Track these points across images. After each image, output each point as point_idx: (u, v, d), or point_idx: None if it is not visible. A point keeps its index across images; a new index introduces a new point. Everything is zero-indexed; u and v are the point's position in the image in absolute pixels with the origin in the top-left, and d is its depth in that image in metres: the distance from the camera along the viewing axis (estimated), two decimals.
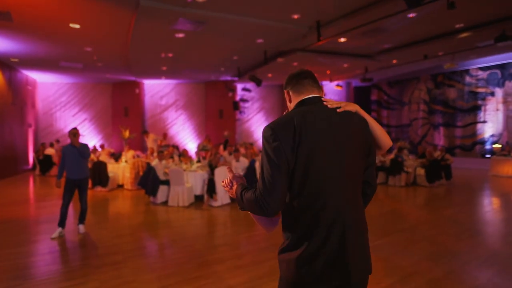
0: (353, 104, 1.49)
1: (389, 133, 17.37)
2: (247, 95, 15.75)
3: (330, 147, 1.33)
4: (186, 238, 4.86)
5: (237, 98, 15.42)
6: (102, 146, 12.12)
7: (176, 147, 12.22)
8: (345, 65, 12.11)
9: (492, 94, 14.16)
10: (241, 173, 7.32)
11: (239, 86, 15.56)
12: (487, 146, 14.30)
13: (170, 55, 9.90)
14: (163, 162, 7.53)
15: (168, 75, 13.40)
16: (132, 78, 13.83)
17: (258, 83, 11.08)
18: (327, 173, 1.31)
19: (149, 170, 7.28)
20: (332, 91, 16.31)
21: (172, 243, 4.71)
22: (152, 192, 7.13)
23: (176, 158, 8.71)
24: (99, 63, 10.91)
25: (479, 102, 14.56)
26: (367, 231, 1.42)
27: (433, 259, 3.92)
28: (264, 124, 16.64)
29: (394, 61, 12.12)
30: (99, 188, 8.68)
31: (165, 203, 7.11)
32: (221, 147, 11.91)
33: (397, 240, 4.64)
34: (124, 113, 14.65)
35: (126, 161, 9.35)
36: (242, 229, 5.44)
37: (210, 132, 15.37)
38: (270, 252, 4.22)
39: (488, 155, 13.69)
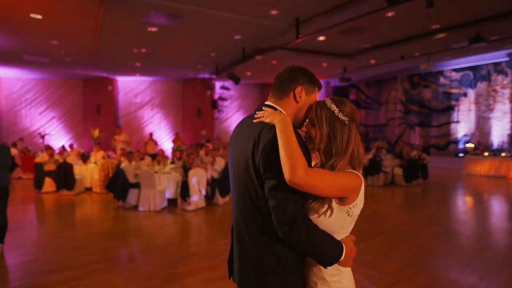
0: (275, 115, 1.28)
1: (366, 132, 17.56)
2: (225, 93, 15.40)
3: (231, 159, 1.47)
4: (156, 247, 4.50)
5: (216, 96, 15.04)
6: (71, 146, 11.43)
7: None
8: (324, 64, 12.01)
9: (465, 95, 14.53)
10: (216, 175, 7.02)
11: (218, 84, 15.18)
12: (460, 146, 14.68)
13: (144, 50, 9.42)
14: (133, 163, 7.08)
15: (142, 71, 12.84)
16: (104, 74, 13.17)
17: (236, 81, 10.77)
18: (231, 183, 1.47)
19: (118, 173, 6.82)
20: None
21: (139, 253, 4.34)
22: (121, 196, 6.68)
23: (148, 159, 8.26)
24: (67, 58, 10.25)
25: (453, 102, 14.91)
26: (258, 254, 1.32)
27: (415, 265, 3.77)
28: None
29: (372, 61, 12.15)
30: (64, 192, 8.11)
31: (135, 207, 6.68)
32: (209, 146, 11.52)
33: (378, 244, 4.48)
34: (96, 111, 13.94)
35: (95, 163, 8.79)
36: (217, 235, 5.14)
37: (187, 132, 14.91)
38: None
39: (461, 154, 14.04)
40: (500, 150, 12.68)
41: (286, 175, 1.14)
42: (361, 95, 17.94)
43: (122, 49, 9.27)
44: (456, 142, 14.90)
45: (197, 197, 6.63)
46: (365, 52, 10.61)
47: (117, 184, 6.70)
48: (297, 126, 1.44)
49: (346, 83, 15.98)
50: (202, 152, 8.21)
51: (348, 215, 1.29)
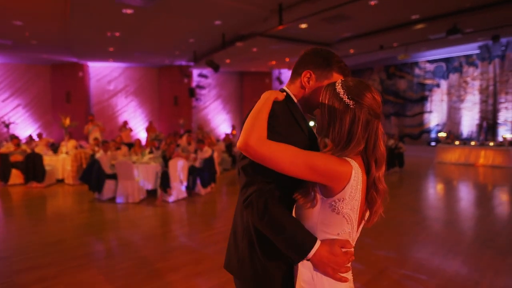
0: (267, 92, 1.26)
1: None
2: (203, 81, 15.03)
3: None
4: (136, 241, 4.30)
5: (193, 84, 14.63)
6: (39, 136, 10.76)
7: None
8: None
9: (438, 85, 15.02)
10: (199, 165, 6.82)
11: (195, 72, 14.77)
12: (433, 135, 15.24)
13: (117, 34, 8.90)
14: (109, 153, 6.74)
15: (116, 57, 12.21)
16: (74, 59, 12.41)
17: (215, 68, 10.49)
18: None
19: (93, 163, 6.46)
20: None
21: (119, 248, 4.12)
22: (97, 187, 6.35)
23: (124, 148, 7.90)
24: (32, 40, 9.51)
25: (426, 93, 15.39)
26: (239, 232, 1.30)
27: (401, 252, 3.83)
28: (222, 112, 16.13)
29: (352, 51, 12.22)
30: (34, 184, 7.62)
31: (112, 199, 6.38)
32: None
33: (362, 232, 4.52)
34: (66, 98, 13.17)
35: (66, 153, 8.31)
36: (200, 227, 5.00)
37: (164, 120, 14.47)
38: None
39: (433, 143, 14.59)
40: (469, 139, 13.27)
41: (238, 142, 1.09)
42: None
43: (94, 32, 8.71)
44: (428, 131, 15.45)
45: (180, 188, 6.42)
46: (345, 41, 10.62)
47: (92, 175, 6.36)
48: (309, 112, 1.34)
49: None
50: (183, 141, 7.98)
51: (333, 211, 1.06)
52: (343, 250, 1.09)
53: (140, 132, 14.20)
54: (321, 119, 1.19)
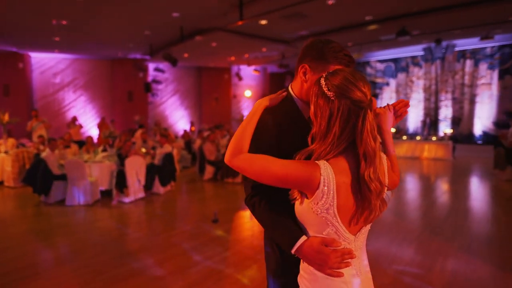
0: (256, 103, 1.32)
1: None
2: (160, 76, 14.46)
3: None
4: (91, 246, 4.01)
5: (149, 79, 14.03)
6: None
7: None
8: (264, 49, 12.00)
9: (387, 84, 15.97)
10: (157, 162, 6.55)
11: (151, 66, 14.15)
12: None
13: (64, 22, 8.20)
14: (57, 152, 6.22)
15: (63, 48, 11.27)
16: (14, 49, 11.24)
17: (173, 62, 10.13)
18: None
19: (38, 163, 5.91)
20: (250, 75, 16.18)
21: (72, 254, 3.82)
22: (43, 190, 5.82)
23: (74, 147, 7.34)
24: None
25: (377, 91, 16.29)
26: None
27: None
28: (180, 108, 15.68)
29: None
30: None
31: (61, 202, 5.89)
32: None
33: None
34: (4, 92, 11.90)
35: (6, 152, 7.52)
36: (160, 228, 4.80)
37: (118, 117, 13.70)
38: (198, 254, 3.74)
39: None
40: (415, 134, 14.32)
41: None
42: None
43: (38, 19, 7.94)
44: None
45: (137, 187, 6.12)
46: (303, 39, 10.83)
47: (37, 177, 5.81)
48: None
49: (283, 70, 16.26)
50: (137, 138, 7.61)
51: (313, 212, 1.06)
52: (331, 248, 1.09)
53: (91, 129, 13.31)
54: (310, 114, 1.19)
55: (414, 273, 3.25)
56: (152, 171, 6.52)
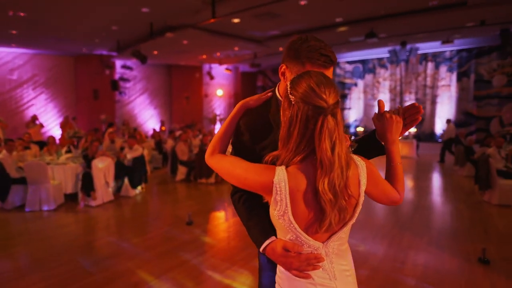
0: (238, 104, 1.35)
1: None
2: (128, 73, 13.92)
3: None
4: (55, 256, 3.74)
5: (116, 76, 13.46)
6: None
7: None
8: (236, 48, 11.92)
9: (356, 85, 16.47)
10: (127, 163, 6.27)
11: (118, 63, 13.58)
12: (352, 130, 16.72)
13: (22, 14, 7.63)
14: (15, 154, 5.77)
15: (20, 42, 10.49)
16: None
17: (142, 60, 9.79)
18: None
19: None
20: (222, 74, 16.04)
21: (34, 265, 3.53)
22: (0, 195, 5.37)
23: (35, 148, 6.85)
24: None
25: (346, 91, 16.76)
26: None
27: None
28: (149, 107, 15.19)
29: (281, 49, 12.60)
30: None
31: (20, 208, 5.47)
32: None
33: None
34: None
35: None
36: (132, 232, 4.59)
37: (83, 116, 13.02)
38: (172, 259, 3.61)
39: (353, 137, 16.02)
40: None
41: None
42: (268, 82, 18.59)
43: None
44: (348, 126, 16.90)
45: (106, 190, 5.81)
46: (275, 38, 10.89)
47: None
48: None
49: (254, 69, 16.27)
50: (106, 138, 7.24)
51: (274, 217, 1.06)
52: (293, 253, 1.08)
53: (53, 128, 12.54)
54: None
55: (388, 268, 3.34)
56: (121, 173, 6.24)
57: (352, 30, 9.57)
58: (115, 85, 12.63)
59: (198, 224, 4.76)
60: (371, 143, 1.35)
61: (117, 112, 13.80)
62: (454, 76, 13.87)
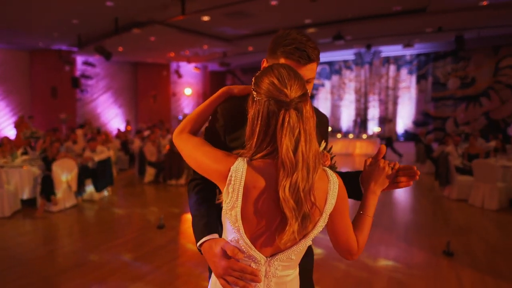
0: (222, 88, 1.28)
1: None
2: (90, 70, 13.21)
3: None
4: (12, 267, 3.43)
5: (77, 73, 12.72)
6: None
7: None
8: (205, 47, 11.74)
9: (323, 85, 16.89)
10: (92, 165, 5.92)
11: (80, 59, 12.85)
12: None
13: None
14: None
15: None
16: None
17: (107, 56, 9.33)
18: None
19: None
20: (190, 73, 15.73)
21: None
22: None
23: None
24: None
25: (314, 92, 17.12)
26: None
27: None
28: (114, 106, 14.53)
29: (250, 48, 12.59)
30: None
31: None
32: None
33: None
34: None
35: None
36: (99, 238, 4.34)
37: (39, 115, 12.15)
38: (145, 265, 3.45)
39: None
40: (348, 132, 15.40)
41: None
42: (238, 81, 18.54)
43: None
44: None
45: (68, 194, 5.45)
46: (245, 38, 10.85)
47: None
48: None
49: (223, 68, 16.15)
50: (80, 139, 6.80)
51: (223, 211, 0.96)
52: (232, 257, 0.96)
53: (6, 128, 11.58)
54: None
55: (362, 264, 3.43)
56: (85, 175, 5.88)
57: (321, 31, 9.78)
58: (76, 83, 11.93)
59: (170, 227, 4.61)
60: (351, 183, 1.20)
61: (79, 111, 13.05)
62: (413, 78, 14.66)
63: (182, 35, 9.58)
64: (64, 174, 5.43)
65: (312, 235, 0.96)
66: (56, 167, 5.30)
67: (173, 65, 15.00)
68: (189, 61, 14.34)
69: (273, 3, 7.32)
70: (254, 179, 0.92)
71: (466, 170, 6.28)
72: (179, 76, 14.71)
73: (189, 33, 9.55)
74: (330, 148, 1.25)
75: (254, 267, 0.96)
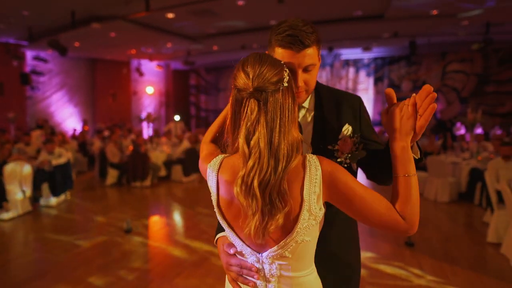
0: None
1: (207, 117, 18.18)
2: (41, 66, 12.28)
3: None
4: None
5: (27, 69, 11.76)
6: None
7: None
8: (169, 45, 11.44)
9: None
10: (48, 169, 5.52)
11: (30, 54, 11.89)
12: None
13: None
14: None
15: None
16: None
17: (62, 52, 8.73)
18: None
19: None
20: (152, 71, 15.23)
21: None
22: None
23: None
24: None
25: None
26: None
27: None
28: (69, 105, 13.62)
29: (215, 47, 12.49)
30: None
31: None
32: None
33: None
34: None
35: None
36: (60, 246, 4.06)
37: None
38: (113, 272, 3.29)
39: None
40: None
41: None
42: (201, 81, 18.29)
43: None
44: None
45: (22, 200, 5.03)
46: (210, 37, 10.75)
47: None
48: None
49: (187, 67, 15.84)
50: (35, 142, 6.28)
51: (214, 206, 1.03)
52: (231, 251, 0.98)
53: None
54: None
55: None
56: (41, 179, 5.47)
57: None
58: (25, 79, 11.01)
59: (138, 231, 4.44)
60: (382, 156, 1.05)
61: (29, 110, 12.08)
62: (371, 81, 15.45)
63: (145, 32, 9.26)
64: (17, 178, 5.01)
65: (299, 230, 0.87)
66: (7, 171, 4.87)
67: (134, 63, 14.43)
68: (151, 59, 13.88)
69: (240, 3, 7.33)
70: (224, 172, 0.93)
71: (420, 167, 6.75)
72: (141, 74, 14.16)
73: (152, 30, 9.25)
74: (353, 134, 1.13)
75: (249, 263, 0.94)
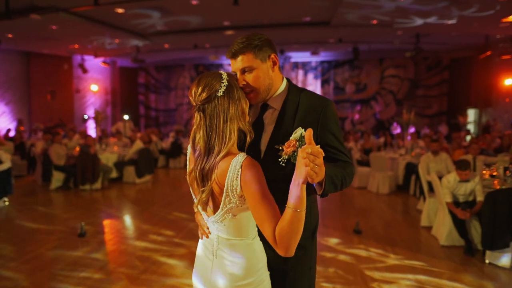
0: None
1: (157, 117, 17.65)
2: None
3: None
4: None
5: None
6: None
7: None
8: (117, 41, 10.94)
9: None
10: None
11: None
12: None
13: None
14: None
15: None
16: None
17: None
18: None
19: None
20: (97, 68, 14.35)
21: None
22: None
23: None
24: None
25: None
26: None
27: None
28: (0, 102, 12.27)
29: (166, 45, 12.23)
30: None
31: None
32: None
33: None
34: None
35: None
36: (4, 256, 3.76)
37: None
38: (68, 279, 3.16)
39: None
40: None
41: None
42: (151, 79, 17.70)
43: None
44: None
45: None
46: (161, 34, 10.51)
47: None
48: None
49: (136, 65, 15.22)
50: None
51: None
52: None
53: None
54: None
55: None
56: None
57: (238, 34, 9.99)
58: None
59: (92, 235, 4.27)
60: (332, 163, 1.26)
61: None
62: (318, 83, 16.31)
63: (91, 26, 8.76)
64: None
65: (223, 207, 1.17)
66: None
67: (77, 58, 13.47)
68: (96, 55, 13.08)
69: (194, 2, 7.33)
70: (191, 164, 1.26)
71: (364, 162, 7.41)
72: (84, 71, 13.27)
73: (100, 24, 8.79)
74: (300, 136, 1.12)
75: (203, 223, 1.33)
